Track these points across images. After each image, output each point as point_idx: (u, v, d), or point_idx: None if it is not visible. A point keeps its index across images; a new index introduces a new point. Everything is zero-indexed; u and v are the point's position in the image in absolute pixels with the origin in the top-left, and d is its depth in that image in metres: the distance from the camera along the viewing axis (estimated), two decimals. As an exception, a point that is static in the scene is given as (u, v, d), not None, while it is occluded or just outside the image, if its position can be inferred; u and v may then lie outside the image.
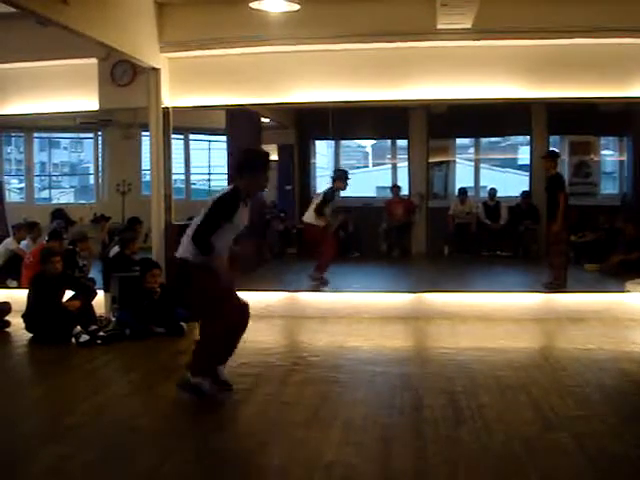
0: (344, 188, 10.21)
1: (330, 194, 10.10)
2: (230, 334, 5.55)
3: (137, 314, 7.94)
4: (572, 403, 5.40)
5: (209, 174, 13.71)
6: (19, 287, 9.41)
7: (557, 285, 9.06)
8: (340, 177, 10.27)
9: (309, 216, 10.08)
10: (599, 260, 10.72)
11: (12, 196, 13.55)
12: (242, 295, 5.72)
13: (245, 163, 5.52)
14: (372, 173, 15.38)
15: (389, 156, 14.55)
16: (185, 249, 5.46)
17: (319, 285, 9.70)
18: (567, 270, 9.29)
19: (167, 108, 9.15)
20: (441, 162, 13.57)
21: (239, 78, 9.11)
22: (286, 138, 13.68)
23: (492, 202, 12.78)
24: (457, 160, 13.80)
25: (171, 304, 8.10)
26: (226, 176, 11.40)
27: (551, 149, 10.73)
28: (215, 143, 13.15)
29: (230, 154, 11.48)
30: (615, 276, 9.67)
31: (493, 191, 12.86)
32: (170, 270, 8.71)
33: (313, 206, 10.05)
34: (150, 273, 8.19)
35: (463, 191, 12.92)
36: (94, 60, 9.11)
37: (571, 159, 12.90)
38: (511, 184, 13.62)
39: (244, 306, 5.67)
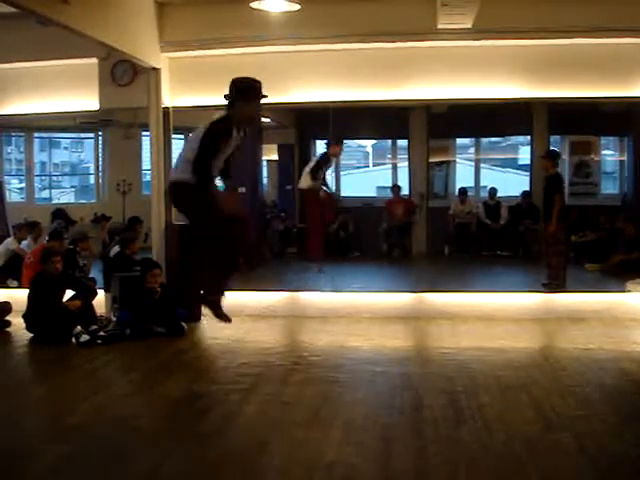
0: (339, 153, 10.19)
1: (323, 157, 10.11)
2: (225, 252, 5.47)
3: (137, 314, 7.93)
4: (573, 403, 5.40)
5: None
6: (20, 287, 9.41)
7: (556, 285, 9.06)
8: (336, 142, 10.30)
9: (303, 181, 10.09)
10: (600, 260, 10.71)
11: (12, 196, 13.54)
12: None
13: (234, 91, 5.46)
14: (372, 173, 15.36)
15: (389, 156, 14.53)
16: (182, 172, 5.44)
17: (318, 269, 9.69)
18: (566, 270, 9.28)
19: (167, 108, 9.16)
20: (441, 162, 13.56)
21: (239, 78, 9.10)
22: (286, 138, 13.67)
23: (492, 202, 12.77)
24: (457, 160, 13.78)
25: (171, 304, 8.10)
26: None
27: (550, 149, 10.73)
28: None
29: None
30: (616, 276, 9.67)
31: (493, 191, 12.85)
32: (170, 269, 8.72)
33: (307, 169, 10.06)
34: (150, 273, 8.18)
35: (463, 191, 12.91)
36: (94, 60, 9.11)
37: (571, 159, 12.89)
38: (511, 184, 13.60)
39: (236, 222, 5.56)
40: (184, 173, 5.41)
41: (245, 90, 5.47)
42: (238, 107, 5.42)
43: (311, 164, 10.13)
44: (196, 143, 5.37)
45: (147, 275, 8.18)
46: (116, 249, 9.28)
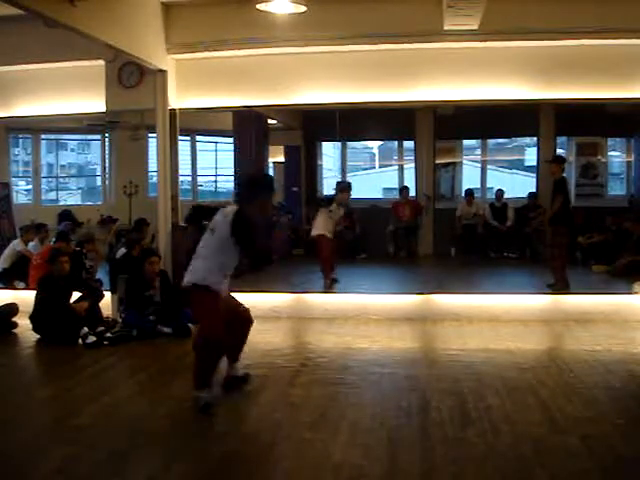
0: (346, 201, 10.01)
1: (329, 205, 9.89)
2: (231, 336, 5.54)
3: (138, 305, 7.99)
4: (579, 404, 5.39)
5: (216, 175, 13.72)
6: (26, 288, 9.43)
7: (560, 287, 9.04)
8: (343, 189, 10.00)
9: (315, 229, 9.89)
10: (606, 261, 10.69)
11: (19, 198, 13.56)
12: (243, 299, 5.76)
13: (253, 189, 5.55)
14: (379, 174, 15.38)
15: (396, 157, 14.54)
16: (193, 274, 5.44)
17: (332, 286, 9.65)
18: (566, 271, 9.27)
19: (174, 110, 9.17)
20: (448, 163, 13.57)
21: (246, 80, 9.13)
22: (293, 139, 13.69)
23: (499, 203, 12.76)
24: (464, 161, 13.79)
25: (178, 305, 8.11)
26: (232, 177, 11.40)
27: (557, 154, 10.69)
28: (222, 144, 13.17)
29: (237, 152, 11.53)
30: (623, 277, 9.65)
31: (500, 192, 12.85)
32: (177, 271, 8.73)
33: (319, 219, 9.89)
34: (148, 261, 8.21)
35: (470, 192, 12.90)
36: (101, 62, 9.13)
37: (578, 160, 12.88)
38: (518, 185, 13.60)
39: (241, 312, 5.73)
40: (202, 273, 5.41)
41: (265, 187, 5.63)
42: (257, 203, 5.48)
43: (320, 216, 9.87)
44: (219, 242, 5.36)
45: (145, 263, 8.20)
46: (122, 251, 9.30)
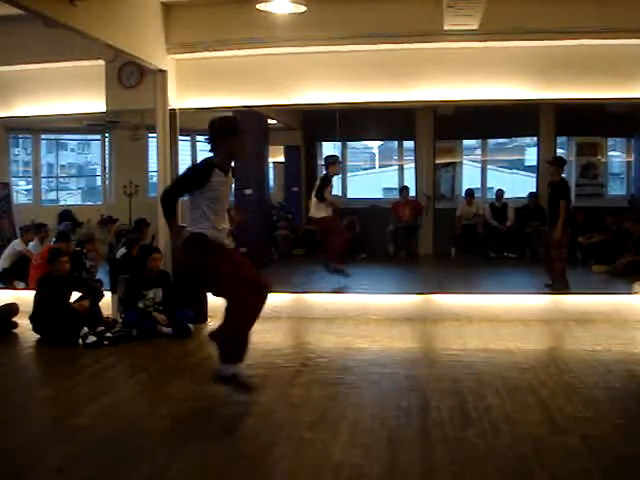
0: (338, 172, 10.31)
1: (325, 179, 10.09)
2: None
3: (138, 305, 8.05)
4: (579, 404, 5.39)
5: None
6: (26, 288, 9.44)
7: (559, 287, 9.04)
8: (333, 162, 10.28)
9: (314, 210, 10.05)
10: (606, 261, 10.69)
11: (20, 198, 13.56)
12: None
13: (214, 133, 5.47)
14: (379, 174, 15.37)
15: (396, 157, 14.53)
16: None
17: (340, 274, 9.68)
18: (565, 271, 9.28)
19: (174, 109, 9.17)
20: (448, 163, 13.57)
21: (246, 80, 9.13)
22: (293, 139, 13.69)
23: (499, 203, 12.76)
24: (464, 161, 13.79)
25: (178, 304, 8.12)
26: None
27: (556, 155, 10.68)
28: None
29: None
30: (623, 277, 9.65)
31: (500, 192, 12.84)
32: (178, 271, 8.73)
33: (314, 196, 10.03)
34: (151, 257, 8.22)
35: (470, 192, 12.90)
36: (101, 62, 9.12)
37: (578, 160, 12.88)
38: (518, 185, 13.60)
39: (261, 286, 5.55)
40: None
41: (225, 128, 5.49)
42: (223, 147, 5.43)
43: (315, 190, 10.05)
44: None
45: (147, 260, 8.20)
46: (122, 251, 9.30)
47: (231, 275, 5.33)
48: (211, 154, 5.48)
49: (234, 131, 5.48)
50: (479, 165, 13.61)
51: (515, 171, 14.43)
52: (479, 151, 13.83)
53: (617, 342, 7.49)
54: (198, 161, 5.56)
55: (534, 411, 5.27)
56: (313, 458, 4.47)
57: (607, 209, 12.00)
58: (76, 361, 7.10)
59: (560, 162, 9.63)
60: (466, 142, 13.93)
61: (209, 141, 5.48)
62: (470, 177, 13.55)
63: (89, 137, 14.54)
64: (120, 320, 8.21)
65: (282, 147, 14.10)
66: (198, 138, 13.00)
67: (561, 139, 12.95)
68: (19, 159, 14.37)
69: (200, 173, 5.38)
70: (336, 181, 10.85)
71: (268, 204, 13.04)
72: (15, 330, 8.31)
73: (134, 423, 5.16)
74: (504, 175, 14.14)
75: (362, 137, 14.28)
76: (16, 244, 10.45)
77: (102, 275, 9.85)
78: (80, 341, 7.57)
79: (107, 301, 8.64)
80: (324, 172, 10.29)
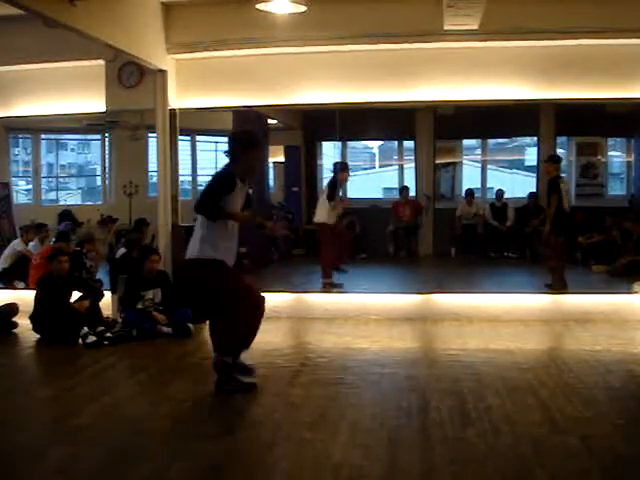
0: (347, 179, 10.39)
1: (333, 184, 10.09)
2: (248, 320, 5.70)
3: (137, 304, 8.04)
4: (579, 404, 5.38)
5: (216, 175, 13.71)
6: (26, 288, 9.44)
7: (558, 287, 9.04)
8: (342, 169, 10.31)
9: (317, 213, 10.03)
10: (606, 261, 10.69)
11: (19, 197, 13.56)
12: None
13: (236, 145, 5.64)
14: (379, 174, 15.38)
15: (396, 157, 14.55)
16: (193, 248, 5.60)
17: (329, 288, 9.68)
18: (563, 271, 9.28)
19: (174, 109, 9.17)
20: (448, 163, 13.58)
21: (246, 79, 9.12)
22: (293, 139, 13.70)
23: (499, 203, 12.77)
24: (464, 161, 13.80)
25: (178, 304, 8.12)
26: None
27: (552, 153, 10.69)
28: (222, 144, 13.15)
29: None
30: (623, 277, 9.65)
31: (500, 192, 12.85)
32: (177, 271, 8.74)
33: (321, 200, 10.00)
34: (149, 259, 8.22)
35: (470, 192, 12.91)
36: (101, 62, 9.13)
37: (578, 160, 12.89)
38: (518, 185, 13.61)
39: (260, 297, 5.83)
40: (193, 250, 5.62)
41: (248, 142, 5.68)
42: (243, 160, 5.60)
43: (324, 195, 10.04)
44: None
45: (145, 262, 8.20)
46: (122, 251, 9.30)
47: (241, 299, 5.58)
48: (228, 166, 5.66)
49: (255, 144, 5.69)
50: (479, 165, 13.62)
51: (515, 171, 14.45)
52: (479, 151, 13.84)
53: (617, 342, 7.48)
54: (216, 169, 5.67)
55: (534, 411, 5.26)
56: (313, 458, 4.47)
57: (607, 209, 12.00)
58: (76, 361, 7.09)
59: (555, 160, 9.65)
60: (466, 142, 13.94)
61: (229, 152, 5.63)
62: (470, 177, 13.57)
63: (89, 137, 14.54)
64: (120, 320, 8.20)
65: (282, 147, 14.11)
66: (198, 138, 13.03)
67: (561, 139, 12.96)
68: (19, 159, 14.37)
69: (229, 180, 5.51)
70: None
71: (268, 204, 13.05)
72: (15, 330, 8.31)
73: (134, 423, 5.16)
74: (504, 175, 14.15)
75: (362, 137, 14.29)
76: (16, 244, 10.45)
77: (102, 275, 9.85)
78: (80, 341, 7.57)
79: (107, 301, 8.64)
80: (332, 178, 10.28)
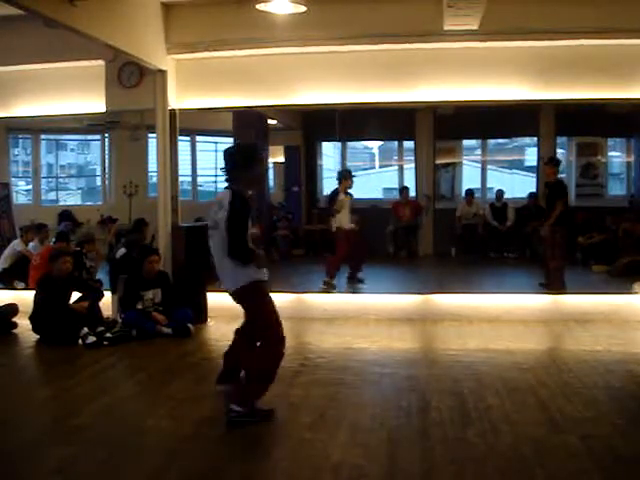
0: (350, 186, 10.23)
1: (333, 193, 10.09)
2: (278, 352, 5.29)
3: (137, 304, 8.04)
4: (579, 404, 5.38)
5: (215, 176, 13.71)
6: (26, 288, 9.43)
7: (555, 287, 9.04)
8: (345, 177, 10.28)
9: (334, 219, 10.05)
10: (606, 261, 10.70)
11: (19, 198, 13.58)
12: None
13: (237, 161, 5.11)
14: (379, 174, 15.40)
15: (396, 157, 14.56)
16: (232, 279, 5.15)
17: (329, 288, 9.68)
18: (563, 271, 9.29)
19: (174, 110, 9.16)
20: (448, 163, 13.59)
21: (246, 80, 9.12)
22: (292, 139, 13.72)
23: (499, 203, 12.78)
24: (464, 161, 13.81)
25: (178, 304, 8.12)
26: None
27: (552, 156, 10.69)
28: (222, 145, 13.17)
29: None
30: (623, 277, 9.65)
31: (500, 192, 12.86)
32: (177, 271, 8.75)
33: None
34: (148, 259, 8.21)
35: (470, 192, 12.92)
36: (101, 62, 9.12)
37: (578, 160, 12.91)
38: (518, 185, 13.63)
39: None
40: (234, 280, 5.14)
41: (251, 156, 5.20)
42: (248, 175, 5.10)
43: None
44: (221, 236, 5.02)
45: (145, 262, 8.20)
46: (122, 251, 9.30)
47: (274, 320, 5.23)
48: (226, 184, 5.17)
49: (257, 158, 5.24)
50: (479, 165, 13.64)
51: (515, 171, 14.46)
52: (479, 151, 13.86)
53: (617, 342, 7.48)
54: (230, 198, 5.02)
55: (534, 411, 5.27)
56: (313, 458, 4.47)
57: (607, 209, 12.01)
58: (76, 361, 7.09)
59: (555, 162, 9.64)
60: (466, 142, 13.96)
61: (228, 170, 5.12)
62: (470, 177, 13.58)
63: (89, 137, 14.56)
64: (120, 320, 8.20)
65: (282, 147, 14.12)
66: (198, 138, 13.05)
67: (561, 139, 12.98)
68: (19, 159, 14.38)
69: (248, 209, 5.04)
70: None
71: (268, 204, 13.06)
72: (15, 330, 8.31)
73: (134, 423, 5.16)
74: (504, 175, 14.17)
75: (362, 137, 14.31)
76: (16, 244, 10.45)
77: (102, 275, 9.85)
78: (80, 341, 7.57)
79: (107, 301, 8.63)
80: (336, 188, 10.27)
